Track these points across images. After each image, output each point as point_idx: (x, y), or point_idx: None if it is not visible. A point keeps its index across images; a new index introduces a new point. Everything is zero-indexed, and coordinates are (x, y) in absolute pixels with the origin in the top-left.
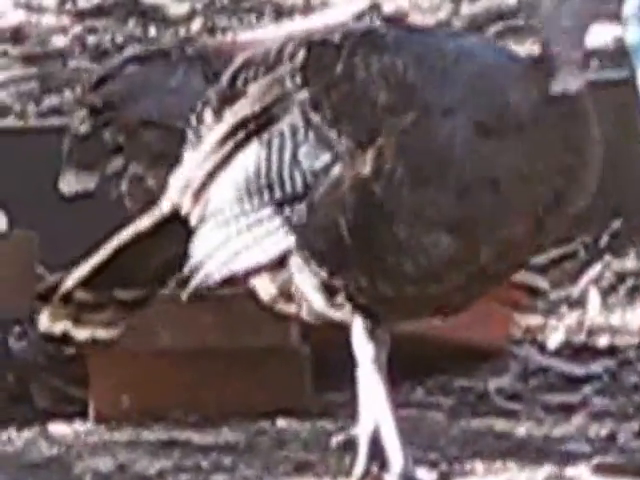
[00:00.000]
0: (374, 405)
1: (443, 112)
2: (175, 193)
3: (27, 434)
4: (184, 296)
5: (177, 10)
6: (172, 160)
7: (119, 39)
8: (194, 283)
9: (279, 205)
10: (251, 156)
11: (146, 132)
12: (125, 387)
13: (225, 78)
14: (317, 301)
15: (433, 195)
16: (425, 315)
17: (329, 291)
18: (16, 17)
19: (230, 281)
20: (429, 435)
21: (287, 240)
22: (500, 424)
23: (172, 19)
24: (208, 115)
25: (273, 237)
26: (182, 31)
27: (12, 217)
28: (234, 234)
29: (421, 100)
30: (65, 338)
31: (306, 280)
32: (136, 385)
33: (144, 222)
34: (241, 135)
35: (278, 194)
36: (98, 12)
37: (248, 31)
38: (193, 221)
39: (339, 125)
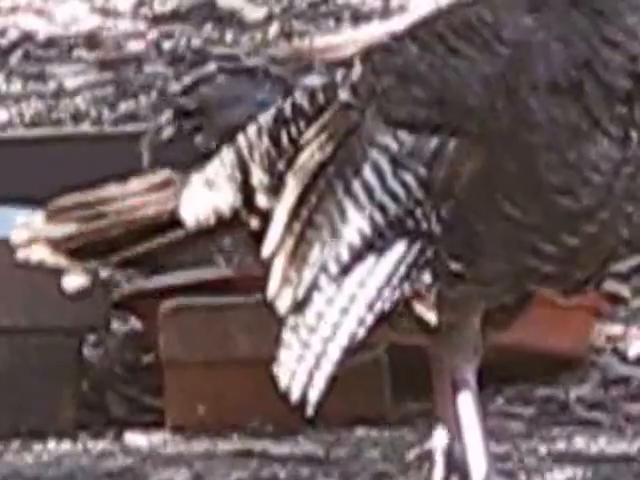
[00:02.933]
0: (457, 414)
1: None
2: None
3: (102, 444)
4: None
5: (254, 15)
6: None
7: (195, 44)
8: (339, 355)
9: (398, 222)
10: (342, 196)
11: None
12: (201, 396)
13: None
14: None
15: None
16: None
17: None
18: (91, 22)
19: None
20: (508, 445)
21: (425, 256)
22: (581, 434)
23: (249, 24)
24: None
25: (406, 263)
26: (259, 36)
27: None
28: (356, 287)
29: None
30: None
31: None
32: (212, 394)
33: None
34: (322, 185)
35: (393, 210)
36: (174, 17)
37: (326, 36)
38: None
39: (439, 94)
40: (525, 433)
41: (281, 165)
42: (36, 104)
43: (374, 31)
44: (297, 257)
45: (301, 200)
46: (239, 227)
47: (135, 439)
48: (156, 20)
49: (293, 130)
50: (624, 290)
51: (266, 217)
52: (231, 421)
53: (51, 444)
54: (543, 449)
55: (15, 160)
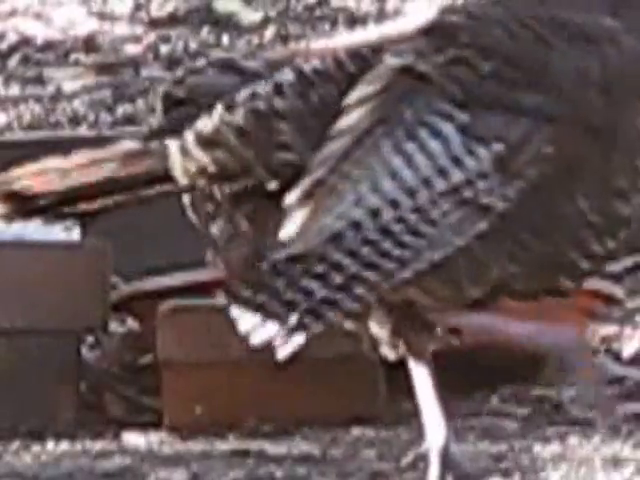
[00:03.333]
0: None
1: None
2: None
3: (100, 444)
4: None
5: (250, 18)
6: None
7: (192, 47)
8: None
9: (455, 191)
10: (392, 155)
11: None
12: (198, 397)
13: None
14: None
15: None
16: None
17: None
18: (89, 26)
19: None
20: (503, 444)
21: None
22: (575, 434)
23: (245, 27)
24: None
25: (452, 230)
26: (255, 39)
27: (85, 226)
28: (392, 245)
29: None
30: None
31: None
32: (209, 395)
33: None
34: (368, 143)
35: (455, 177)
36: (171, 20)
37: (321, 39)
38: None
39: (531, 77)
40: (519, 433)
41: (312, 122)
42: (34, 107)
43: (370, 34)
44: (322, 208)
45: (343, 156)
46: (241, 181)
47: (133, 439)
48: (153, 24)
49: (322, 92)
50: (618, 291)
51: (286, 173)
52: (228, 421)
53: (50, 444)
54: (537, 448)
55: (13, 163)
